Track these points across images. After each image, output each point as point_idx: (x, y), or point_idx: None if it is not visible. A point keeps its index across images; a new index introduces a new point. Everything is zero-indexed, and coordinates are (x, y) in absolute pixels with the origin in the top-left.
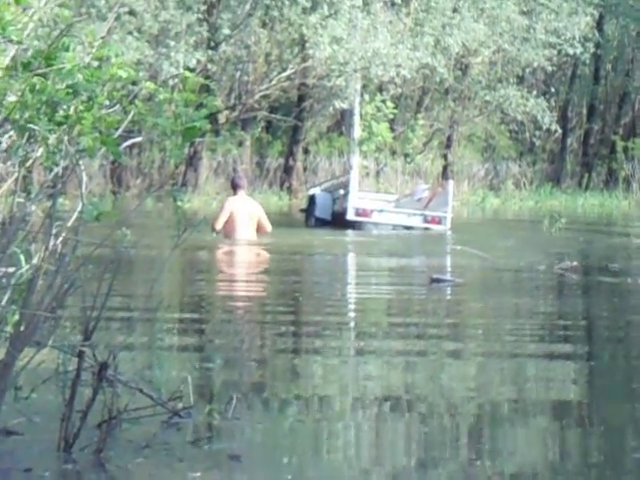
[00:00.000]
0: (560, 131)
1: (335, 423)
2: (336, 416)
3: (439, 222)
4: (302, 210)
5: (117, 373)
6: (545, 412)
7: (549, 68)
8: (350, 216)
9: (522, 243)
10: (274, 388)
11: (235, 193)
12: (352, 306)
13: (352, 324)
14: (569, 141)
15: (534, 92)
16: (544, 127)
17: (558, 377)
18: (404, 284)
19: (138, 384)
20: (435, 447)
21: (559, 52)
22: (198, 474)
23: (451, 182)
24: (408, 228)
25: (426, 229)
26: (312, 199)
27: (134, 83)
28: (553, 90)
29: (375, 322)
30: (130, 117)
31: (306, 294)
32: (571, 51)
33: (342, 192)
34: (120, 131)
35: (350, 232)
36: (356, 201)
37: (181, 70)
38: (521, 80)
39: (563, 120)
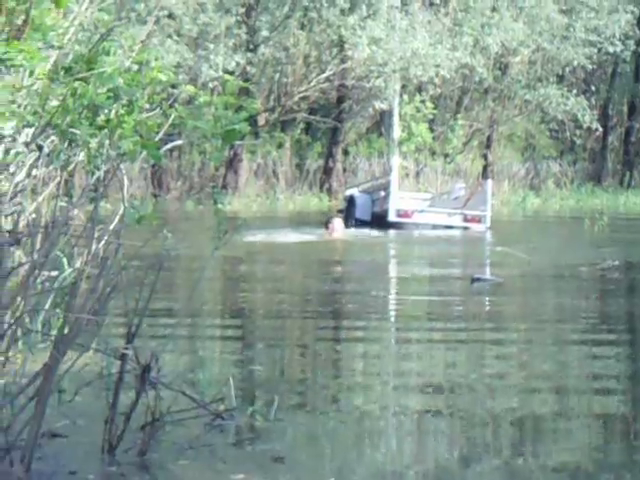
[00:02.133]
0: (601, 129)
1: (377, 423)
2: (378, 416)
3: (479, 221)
4: (340, 211)
5: (160, 375)
6: (586, 410)
7: (589, 66)
8: (392, 217)
9: (563, 242)
10: (316, 389)
11: None
12: (395, 306)
13: (395, 324)
14: (610, 139)
15: (574, 91)
16: (584, 126)
17: (599, 375)
18: (447, 284)
19: (181, 386)
20: (476, 447)
21: (599, 50)
22: (241, 476)
23: (489, 181)
24: (448, 227)
25: (465, 228)
26: (351, 200)
27: (174, 86)
28: (593, 88)
29: (418, 321)
30: (170, 120)
31: (351, 294)
32: (611, 49)
33: (382, 194)
34: (160, 134)
35: (392, 232)
36: (397, 202)
37: (220, 73)
38: (561, 79)
39: (604, 118)
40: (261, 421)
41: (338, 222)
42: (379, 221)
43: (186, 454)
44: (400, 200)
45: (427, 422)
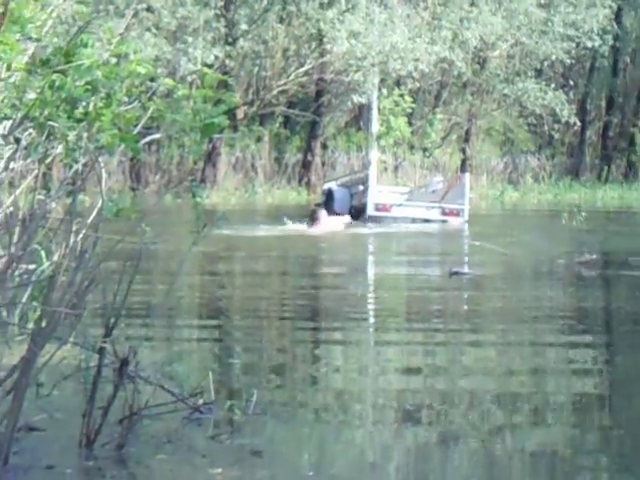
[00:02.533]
0: (579, 124)
1: (356, 418)
2: (358, 411)
3: (457, 214)
4: (317, 205)
5: (138, 369)
6: (563, 397)
7: (567, 61)
8: (370, 211)
9: (541, 236)
10: (295, 383)
11: None
12: (374, 299)
13: (375, 315)
14: (588, 134)
15: (552, 85)
16: (563, 120)
17: (576, 365)
18: (425, 277)
19: (159, 380)
20: (456, 439)
21: (577, 45)
22: (219, 470)
23: (467, 175)
24: (427, 221)
25: (444, 221)
26: (330, 194)
27: (152, 80)
28: (572, 83)
29: (396, 314)
30: (149, 114)
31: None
32: (589, 44)
33: (361, 188)
34: (139, 128)
35: (371, 225)
36: (376, 196)
37: (199, 66)
38: (539, 73)
39: (582, 113)
40: (239, 415)
41: (324, 214)
42: (357, 215)
43: (164, 448)
44: (378, 194)
45: (407, 416)
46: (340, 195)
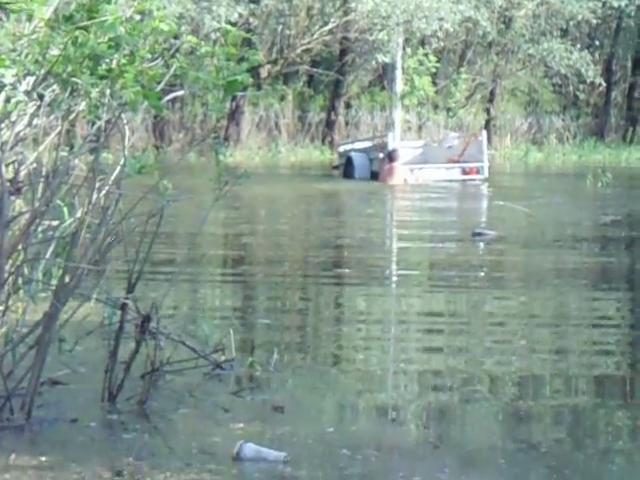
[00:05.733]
0: (604, 84)
1: (378, 376)
2: (380, 368)
3: (477, 172)
4: (334, 167)
5: (160, 326)
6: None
7: (593, 21)
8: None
9: (566, 198)
10: (317, 340)
11: None
12: (396, 257)
13: (396, 275)
14: (613, 94)
15: (578, 45)
16: (588, 80)
17: (598, 324)
18: (448, 238)
19: (181, 337)
20: (472, 391)
21: (604, 4)
22: (241, 425)
23: (484, 131)
24: (449, 181)
25: (464, 180)
26: (349, 160)
27: (176, 37)
28: (597, 43)
29: (419, 273)
30: (172, 71)
31: (351, 244)
32: (616, 3)
33: (380, 155)
34: (162, 85)
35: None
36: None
37: (223, 24)
38: (565, 33)
39: (607, 73)
40: (261, 371)
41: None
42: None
43: (186, 403)
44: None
45: (429, 373)
46: (360, 161)
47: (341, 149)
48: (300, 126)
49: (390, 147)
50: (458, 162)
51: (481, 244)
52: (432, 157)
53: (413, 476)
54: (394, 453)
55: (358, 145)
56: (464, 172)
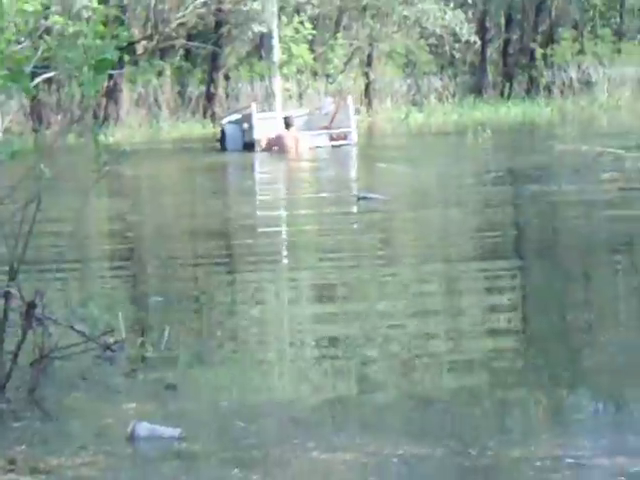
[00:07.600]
0: (479, 42)
1: (272, 352)
2: (274, 345)
3: (345, 138)
4: (218, 140)
5: (46, 312)
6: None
7: None
8: (260, 148)
9: (447, 156)
10: (209, 319)
11: None
12: (283, 226)
13: (285, 245)
14: (489, 52)
15: (451, 4)
16: (463, 39)
17: (486, 281)
18: (331, 203)
19: (70, 322)
20: (369, 376)
21: None
22: (133, 405)
23: (350, 97)
24: (318, 147)
25: (334, 146)
26: (222, 132)
27: (47, 18)
28: (470, 1)
29: (306, 243)
30: (40, 52)
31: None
32: None
33: (246, 126)
34: (30, 67)
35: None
36: (265, 131)
37: (93, 2)
38: None
39: (482, 31)
40: (152, 351)
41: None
42: (251, 149)
43: (78, 387)
44: (266, 129)
45: (323, 350)
46: (231, 132)
47: (223, 121)
48: (180, 101)
49: (284, 114)
50: (329, 128)
51: (367, 208)
52: (315, 125)
53: (308, 442)
54: (289, 422)
55: (232, 117)
56: (332, 138)
